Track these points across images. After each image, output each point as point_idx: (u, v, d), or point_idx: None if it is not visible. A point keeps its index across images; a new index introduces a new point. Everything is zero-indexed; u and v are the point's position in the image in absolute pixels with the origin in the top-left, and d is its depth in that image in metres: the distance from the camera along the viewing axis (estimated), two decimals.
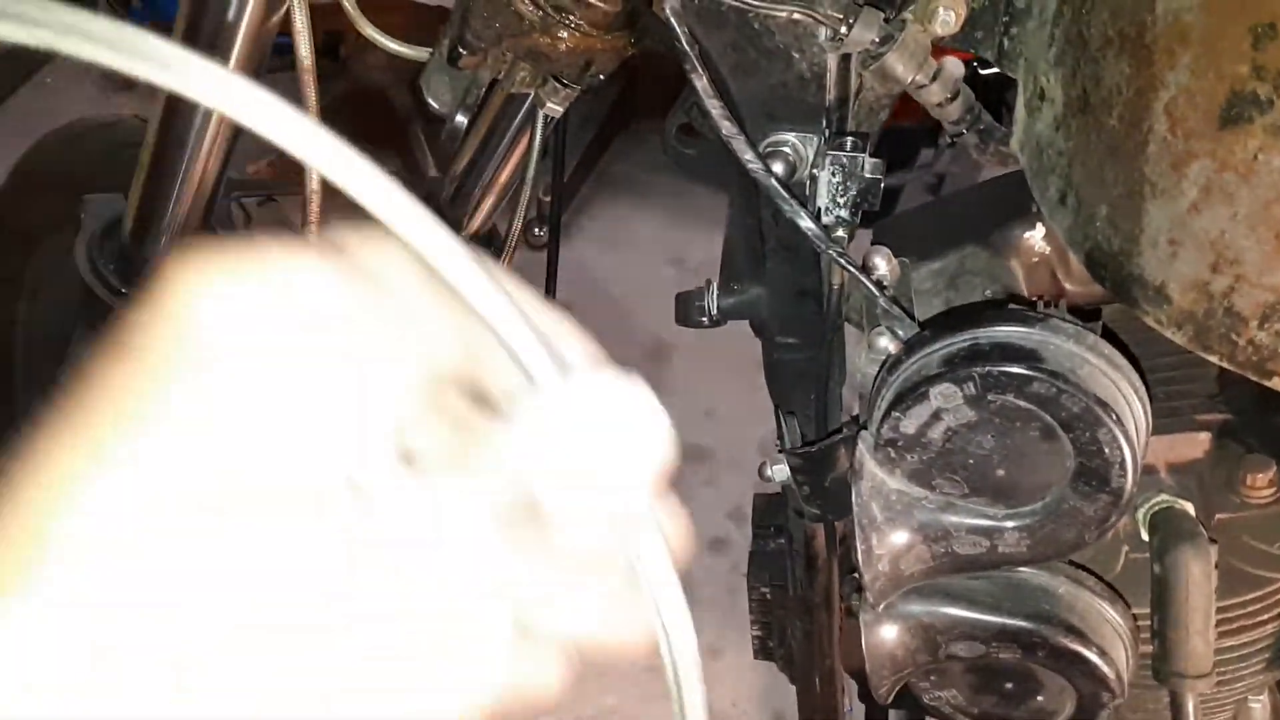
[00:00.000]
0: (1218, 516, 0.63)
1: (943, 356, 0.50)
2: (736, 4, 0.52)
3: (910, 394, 0.50)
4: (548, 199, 2.07)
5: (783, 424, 0.65)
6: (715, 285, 0.67)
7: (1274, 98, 0.41)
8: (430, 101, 0.61)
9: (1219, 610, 0.64)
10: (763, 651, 0.91)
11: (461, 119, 0.62)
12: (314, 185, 0.65)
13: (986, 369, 0.48)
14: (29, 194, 1.04)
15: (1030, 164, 0.55)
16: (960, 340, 0.50)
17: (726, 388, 1.90)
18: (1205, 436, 0.63)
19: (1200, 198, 0.45)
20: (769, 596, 0.84)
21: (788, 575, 0.79)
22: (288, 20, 0.62)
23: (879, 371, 0.54)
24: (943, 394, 0.49)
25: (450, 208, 0.89)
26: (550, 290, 0.94)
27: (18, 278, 1.10)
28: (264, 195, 0.88)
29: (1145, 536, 0.62)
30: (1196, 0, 0.42)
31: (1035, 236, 0.65)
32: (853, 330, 0.68)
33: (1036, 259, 0.66)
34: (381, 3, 1.85)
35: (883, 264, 0.64)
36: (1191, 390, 0.64)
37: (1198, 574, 0.57)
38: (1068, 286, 0.66)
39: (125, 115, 0.97)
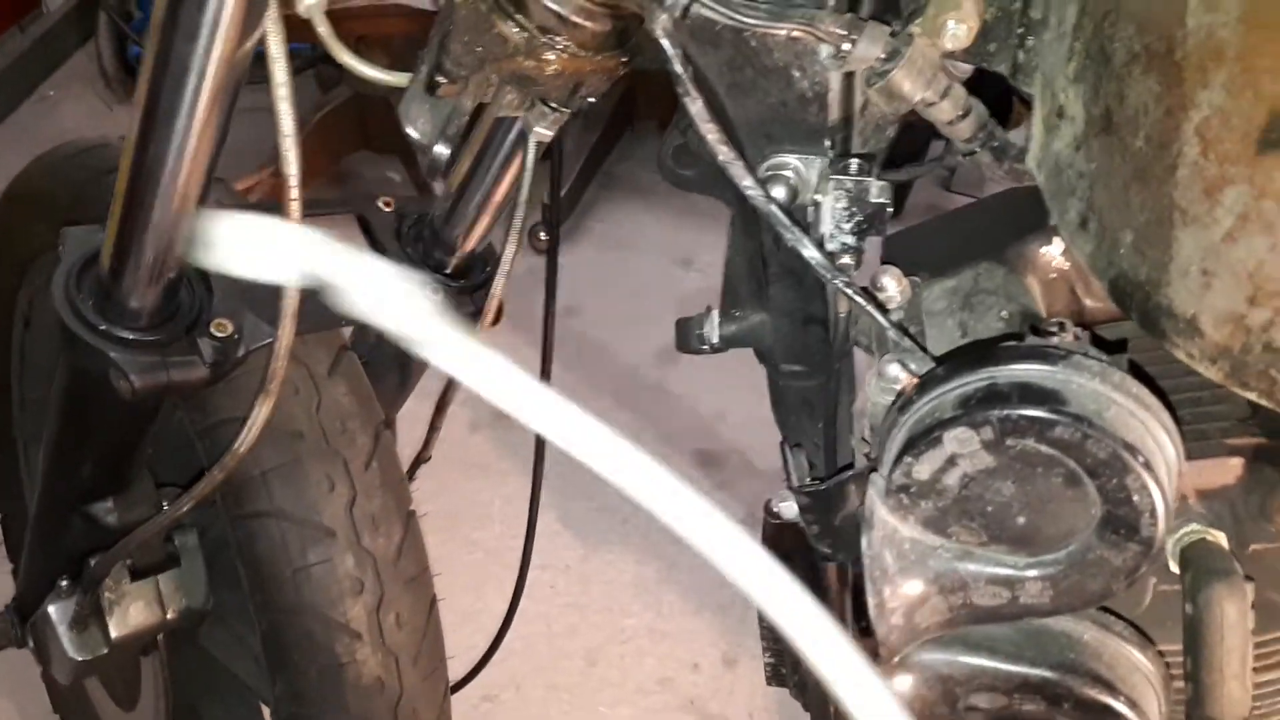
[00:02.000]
0: (1252, 547, 0.59)
1: (958, 397, 0.47)
2: (733, 22, 0.49)
3: (923, 438, 0.46)
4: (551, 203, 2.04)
5: (789, 459, 0.62)
6: (716, 312, 0.64)
7: None
8: (409, 131, 0.58)
9: (1256, 645, 0.61)
10: (775, 678, 0.88)
11: (442, 149, 0.60)
12: (295, 216, 0.62)
13: (1005, 412, 0.45)
14: (19, 220, 1.02)
15: (1048, 184, 0.51)
16: (977, 379, 0.46)
17: (737, 391, 1.87)
18: (1237, 462, 0.59)
19: (1237, 226, 0.41)
20: None
21: None
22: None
23: (889, 409, 0.51)
24: (958, 438, 0.45)
25: (445, 226, 0.86)
26: (550, 297, 0.90)
27: (11, 304, 1.08)
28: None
29: (1175, 569, 0.58)
30: (1233, 14, 0.38)
31: (1053, 251, 0.61)
32: (862, 353, 0.65)
33: (1054, 275, 0.62)
34: (378, 9, 1.83)
35: (892, 284, 0.60)
36: (1222, 413, 0.61)
37: (1233, 615, 0.53)
38: (1088, 303, 0.63)
39: (112, 138, 0.94)
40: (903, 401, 0.49)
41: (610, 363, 1.82)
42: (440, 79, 0.54)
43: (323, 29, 0.54)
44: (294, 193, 0.62)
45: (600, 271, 1.94)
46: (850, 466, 0.61)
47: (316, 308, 0.73)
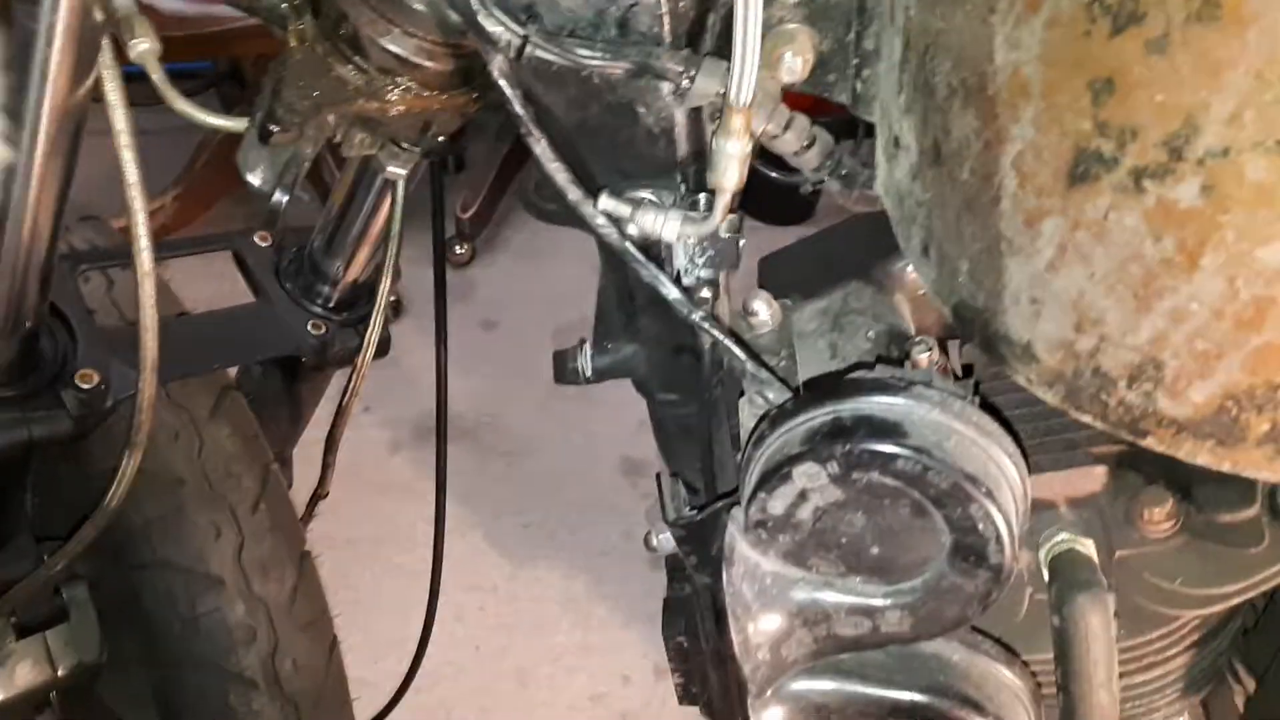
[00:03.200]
0: (1119, 553, 0.60)
1: (805, 432, 0.47)
2: (568, 62, 0.48)
3: (774, 474, 0.46)
4: (466, 215, 2.02)
5: (664, 491, 0.61)
6: (589, 345, 0.63)
7: (1119, 156, 0.38)
8: (248, 179, 0.56)
9: (1127, 649, 0.62)
10: (687, 697, 0.88)
11: (281, 197, 0.58)
12: (145, 266, 0.60)
13: (848, 447, 0.45)
14: None
15: (893, 211, 0.52)
16: (822, 414, 0.46)
17: None
18: (1102, 470, 0.61)
19: (1056, 256, 0.42)
20: (685, 644, 0.81)
21: (699, 626, 0.76)
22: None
23: (745, 444, 0.51)
24: (806, 474, 0.46)
25: (325, 258, 0.84)
26: (441, 326, 0.88)
27: None
28: (126, 259, 0.83)
29: (1046, 578, 0.59)
30: (1034, 53, 0.39)
31: None
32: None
33: (922, 292, 0.63)
34: None
35: (764, 308, 0.61)
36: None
37: (1096, 626, 0.54)
38: None
39: None
40: (757, 436, 0.49)
41: (532, 373, 1.80)
42: (273, 126, 0.53)
43: (156, 75, 0.52)
44: (143, 241, 0.60)
45: (518, 282, 1.93)
46: (729, 494, 0.61)
47: (181, 353, 0.71)
